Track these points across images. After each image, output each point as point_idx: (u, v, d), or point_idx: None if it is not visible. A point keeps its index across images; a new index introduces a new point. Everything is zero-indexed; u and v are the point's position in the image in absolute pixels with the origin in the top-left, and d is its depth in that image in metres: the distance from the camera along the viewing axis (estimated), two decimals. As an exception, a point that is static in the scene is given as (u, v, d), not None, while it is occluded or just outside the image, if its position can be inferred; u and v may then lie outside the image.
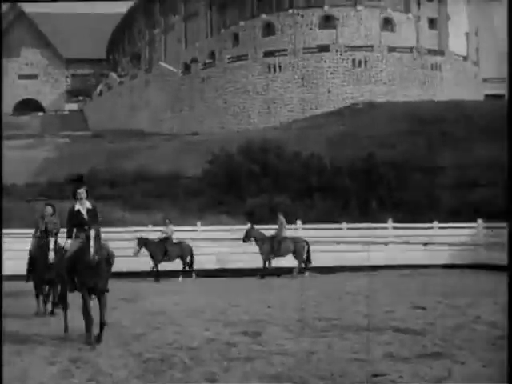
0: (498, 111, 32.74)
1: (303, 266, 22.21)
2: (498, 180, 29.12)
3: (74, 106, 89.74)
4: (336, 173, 37.76)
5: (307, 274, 22.01)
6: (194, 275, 22.08)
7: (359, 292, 17.14)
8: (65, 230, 11.26)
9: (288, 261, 22.24)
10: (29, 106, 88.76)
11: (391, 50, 62.58)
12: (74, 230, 10.70)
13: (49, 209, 14.16)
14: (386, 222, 25.51)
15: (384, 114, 52.52)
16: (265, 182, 37.23)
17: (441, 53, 65.17)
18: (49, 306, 14.08)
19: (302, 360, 9.11)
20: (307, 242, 22.36)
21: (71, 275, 10.51)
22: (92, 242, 9.98)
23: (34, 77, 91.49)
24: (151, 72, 74.39)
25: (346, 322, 12.27)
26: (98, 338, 10.24)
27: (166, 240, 22.20)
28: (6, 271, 17.82)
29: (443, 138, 44.04)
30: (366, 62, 61.72)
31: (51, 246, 13.31)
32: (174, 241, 22.43)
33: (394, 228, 25.20)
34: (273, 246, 22.22)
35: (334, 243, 24.20)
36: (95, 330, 10.28)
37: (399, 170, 36.24)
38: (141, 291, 17.21)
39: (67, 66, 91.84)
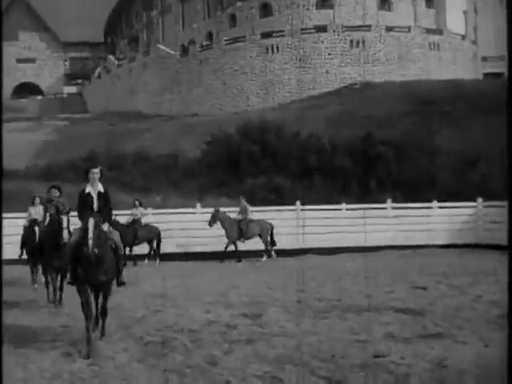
0: (497, 90, 32.62)
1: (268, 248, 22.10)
2: (497, 159, 29.09)
3: (72, 89, 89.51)
4: (335, 153, 37.69)
5: (274, 256, 21.84)
6: (157, 260, 21.59)
7: (359, 273, 17.16)
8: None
9: (247, 244, 22.08)
10: (27, 89, 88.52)
11: (389, 29, 62.31)
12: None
13: (55, 191, 13.63)
14: (385, 202, 25.49)
15: (382, 94, 52.39)
16: (264, 163, 37.17)
17: (439, 32, 64.87)
18: (55, 294, 13.06)
19: (303, 341, 9.12)
20: (271, 224, 22.22)
21: (73, 266, 9.43)
22: (91, 233, 8.88)
23: (32, 60, 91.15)
24: (149, 54, 74.14)
25: (346, 302, 12.29)
26: (101, 333, 9.62)
27: (136, 223, 21.68)
28: (9, 255, 17.87)
29: (442, 118, 43.93)
30: (363, 42, 61.48)
31: (65, 224, 12.58)
32: (143, 223, 22.03)
33: (393, 208, 25.17)
34: (240, 229, 21.97)
35: (333, 225, 24.17)
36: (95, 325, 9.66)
37: (398, 149, 36.16)
38: (142, 274, 17.22)
39: (65, 50, 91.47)
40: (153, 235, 21.79)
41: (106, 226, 9.33)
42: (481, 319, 10.44)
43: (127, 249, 20.53)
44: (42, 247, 13.50)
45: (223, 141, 40.17)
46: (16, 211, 18.36)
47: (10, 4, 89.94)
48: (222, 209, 22.73)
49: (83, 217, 9.22)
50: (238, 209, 22.85)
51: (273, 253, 22.07)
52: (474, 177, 32.49)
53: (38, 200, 16.45)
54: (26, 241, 16.07)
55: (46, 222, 13.51)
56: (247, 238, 22.09)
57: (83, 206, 9.40)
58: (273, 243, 22.09)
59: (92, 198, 9.44)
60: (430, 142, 37.34)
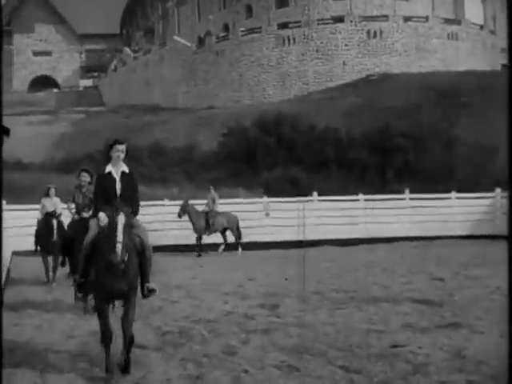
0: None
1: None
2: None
3: (88, 82, 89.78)
4: (352, 144, 37.62)
5: (240, 250, 21.46)
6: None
7: (376, 264, 17.11)
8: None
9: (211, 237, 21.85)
10: (44, 82, 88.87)
11: (406, 19, 61.97)
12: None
13: (85, 175, 11.72)
14: (402, 193, 25.38)
15: (400, 85, 52.14)
16: (280, 155, 37.15)
17: (457, 22, 64.45)
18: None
19: (320, 331, 9.09)
20: (237, 217, 21.88)
21: (86, 272, 7.48)
22: (120, 235, 6.86)
23: (48, 53, 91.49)
24: (165, 46, 74.18)
25: (363, 293, 12.24)
26: (125, 367, 7.30)
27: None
28: (23, 247, 17.91)
29: (460, 109, 43.69)
30: (381, 32, 61.19)
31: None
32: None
33: (411, 199, 25.06)
34: (208, 222, 21.53)
35: (350, 215, 24.10)
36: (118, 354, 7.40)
37: (416, 140, 36.01)
38: (159, 265, 17.23)
39: (81, 42, 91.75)
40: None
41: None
42: (499, 310, 10.36)
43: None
44: (70, 243, 11.37)
45: (239, 133, 40.20)
46: (34, 203, 18.40)
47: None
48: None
49: (101, 205, 7.34)
50: (253, 200, 22.72)
51: (239, 246, 21.61)
52: (493, 168, 32.29)
53: (53, 190, 15.35)
54: (40, 235, 14.97)
55: (74, 213, 12.15)
56: (214, 231, 21.66)
57: (102, 190, 7.44)
58: (239, 236, 21.78)
59: (114, 180, 7.46)
60: (449, 133, 37.16)
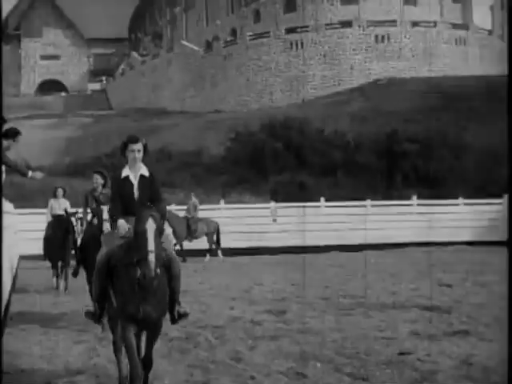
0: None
1: (213, 247, 21.66)
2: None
3: (96, 86, 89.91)
4: (359, 149, 37.56)
5: (221, 256, 21.27)
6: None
7: (384, 269, 17.07)
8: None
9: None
10: (52, 86, 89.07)
11: (414, 24, 61.88)
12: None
13: (98, 178, 10.80)
14: (410, 199, 25.32)
15: (408, 90, 52.06)
16: (288, 160, 37.12)
17: (465, 27, 64.32)
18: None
19: (327, 338, 9.07)
20: (217, 223, 21.66)
21: (103, 291, 6.38)
22: (151, 244, 5.84)
23: (56, 57, 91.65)
24: (173, 51, 74.29)
25: (371, 299, 12.20)
26: None
27: None
28: (32, 251, 17.92)
29: (468, 114, 43.57)
30: (388, 37, 61.13)
31: (105, 227, 9.31)
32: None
33: (419, 205, 25.00)
34: (189, 228, 21.23)
35: (358, 221, 24.07)
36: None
37: (424, 146, 35.92)
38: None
39: (89, 46, 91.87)
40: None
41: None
42: (508, 317, 10.31)
43: None
44: (85, 251, 10.47)
45: (247, 137, 40.20)
46: (41, 207, 18.40)
47: (34, 1, 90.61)
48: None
49: (118, 214, 6.43)
50: (258, 205, 22.70)
51: (219, 252, 21.45)
52: (502, 173, 32.15)
53: (60, 191, 14.70)
54: (49, 239, 14.29)
55: (88, 219, 11.14)
56: (195, 238, 21.43)
57: (119, 197, 6.51)
58: (218, 243, 21.56)
59: (132, 185, 6.54)
60: (457, 139, 37.06)
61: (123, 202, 6.51)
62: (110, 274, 6.20)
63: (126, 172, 6.62)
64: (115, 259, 6.17)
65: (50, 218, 14.77)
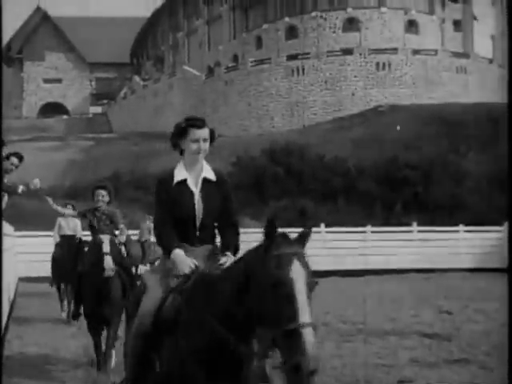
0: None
1: None
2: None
3: (98, 109, 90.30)
4: (360, 175, 37.59)
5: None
6: None
7: (384, 295, 16.98)
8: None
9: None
10: (54, 109, 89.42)
11: (415, 52, 62.27)
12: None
13: (103, 195, 8.61)
14: (410, 225, 25.29)
15: (408, 117, 52.23)
16: (289, 185, 37.13)
17: (466, 55, 64.72)
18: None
19: (327, 365, 9.00)
20: None
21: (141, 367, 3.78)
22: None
23: (58, 80, 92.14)
24: (175, 75, 74.67)
25: (370, 326, 12.13)
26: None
27: None
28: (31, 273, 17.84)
29: (469, 141, 43.67)
30: (389, 64, 61.47)
31: (105, 246, 7.97)
32: None
33: (419, 231, 24.96)
34: (144, 252, 20.24)
35: (358, 247, 24.03)
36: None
37: (425, 172, 35.97)
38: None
39: (91, 70, 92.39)
40: None
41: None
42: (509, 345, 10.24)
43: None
44: (81, 283, 8.55)
45: (248, 162, 40.26)
46: (41, 230, 18.36)
47: (37, 25, 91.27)
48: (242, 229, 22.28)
49: (170, 240, 4.27)
50: (258, 230, 22.52)
51: None
52: (501, 200, 32.18)
53: (70, 209, 12.34)
54: (57, 263, 12.86)
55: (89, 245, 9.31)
56: (150, 262, 20.56)
57: (168, 212, 4.31)
58: None
59: (191, 194, 4.34)
60: (457, 166, 37.11)
61: (176, 220, 4.29)
62: (161, 337, 3.97)
63: (180, 173, 4.39)
64: (170, 315, 3.96)
65: (58, 239, 13.41)
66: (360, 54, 61.84)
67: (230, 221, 4.51)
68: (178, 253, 4.20)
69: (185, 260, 4.17)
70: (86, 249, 9.53)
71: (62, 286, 13.10)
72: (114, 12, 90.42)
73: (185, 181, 4.38)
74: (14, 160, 8.77)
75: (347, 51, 62.29)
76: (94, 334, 8.12)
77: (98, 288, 7.94)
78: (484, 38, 69.08)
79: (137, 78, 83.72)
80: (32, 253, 19.26)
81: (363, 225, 25.54)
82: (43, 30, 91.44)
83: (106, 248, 7.96)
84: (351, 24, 65.54)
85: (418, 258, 23.86)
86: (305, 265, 3.52)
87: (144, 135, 68.44)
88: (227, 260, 4.20)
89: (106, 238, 8.09)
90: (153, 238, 19.69)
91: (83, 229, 12.21)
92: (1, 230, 7.31)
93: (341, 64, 61.82)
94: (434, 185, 35.29)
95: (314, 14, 66.49)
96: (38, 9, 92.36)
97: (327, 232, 24.42)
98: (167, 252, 4.27)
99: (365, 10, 65.43)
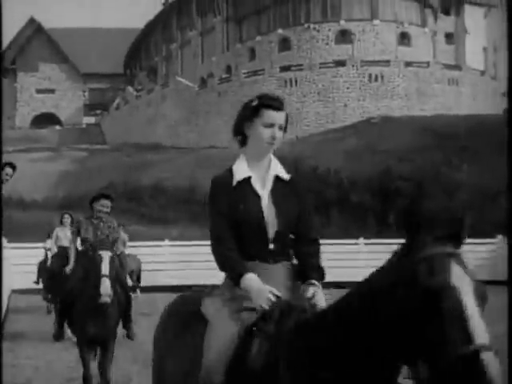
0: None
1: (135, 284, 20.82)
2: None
3: (91, 120, 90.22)
4: (353, 187, 37.66)
5: (139, 293, 20.19)
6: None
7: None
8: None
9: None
10: (47, 119, 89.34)
11: (408, 64, 62.54)
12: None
13: (107, 204, 8.08)
14: (404, 237, 25.30)
15: (401, 129, 52.40)
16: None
17: (458, 67, 65.05)
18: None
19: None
20: (140, 260, 20.73)
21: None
22: None
23: (51, 91, 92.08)
24: (168, 86, 74.74)
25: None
26: None
27: None
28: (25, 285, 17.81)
29: (461, 153, 43.83)
30: (382, 76, 61.69)
31: (104, 265, 6.81)
32: None
33: (412, 243, 24.96)
34: (120, 263, 20.00)
35: (351, 259, 24.05)
36: None
37: (417, 184, 36.07)
38: (158, 305, 17.11)
39: (85, 81, 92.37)
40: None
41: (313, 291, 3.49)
42: (500, 358, 10.25)
43: None
44: (71, 301, 7.49)
45: (241, 173, 40.29)
46: (35, 241, 18.32)
47: (30, 36, 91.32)
48: None
49: (240, 263, 3.34)
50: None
51: (138, 290, 20.40)
52: (494, 213, 32.30)
53: (68, 219, 12.71)
54: (55, 276, 11.91)
55: (74, 259, 8.74)
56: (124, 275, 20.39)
57: (226, 221, 3.44)
58: (139, 280, 20.63)
59: (257, 197, 3.45)
60: (450, 178, 37.21)
61: (241, 230, 3.34)
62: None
63: (241, 169, 3.50)
64: (258, 367, 2.99)
65: (55, 250, 12.71)
66: (353, 66, 62.06)
67: (309, 235, 3.54)
68: (252, 278, 3.19)
69: (262, 290, 3.16)
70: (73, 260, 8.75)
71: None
72: (108, 23, 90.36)
73: (248, 179, 3.43)
74: (9, 170, 8.75)
75: (340, 63, 62.51)
76: (83, 353, 7.22)
77: (93, 308, 6.89)
78: (476, 50, 69.43)
79: (130, 89, 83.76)
80: (25, 264, 19.21)
81: (356, 236, 25.58)
82: (37, 40, 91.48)
83: (106, 269, 6.76)
84: (344, 36, 65.82)
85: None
86: (467, 270, 2.66)
87: (137, 146, 68.44)
88: (316, 292, 3.45)
89: (106, 255, 6.85)
90: (128, 251, 19.53)
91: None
92: (0, 243, 6.97)
93: (333, 76, 62.01)
94: (427, 196, 35.40)
95: (306, 25, 66.76)
96: (32, 20, 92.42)
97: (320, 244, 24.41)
98: (235, 277, 3.27)
99: (357, 22, 65.73)
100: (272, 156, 3.50)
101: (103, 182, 41.28)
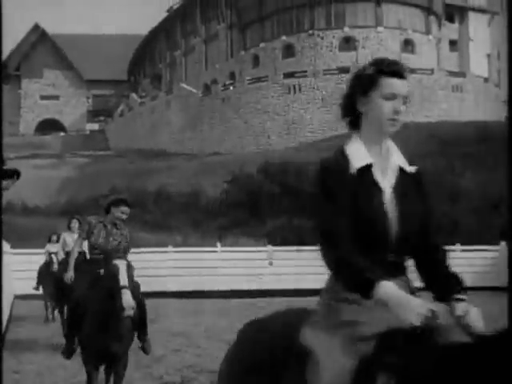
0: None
1: None
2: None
3: (95, 126, 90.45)
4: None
5: None
6: None
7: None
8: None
9: None
10: (51, 125, 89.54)
11: (412, 71, 62.45)
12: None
13: (126, 211, 7.45)
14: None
15: (404, 135, 52.15)
16: (285, 203, 37.12)
17: (462, 74, 65.05)
18: None
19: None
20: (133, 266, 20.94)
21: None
22: None
23: (55, 97, 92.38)
24: (172, 93, 74.86)
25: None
26: None
27: None
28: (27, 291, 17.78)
29: (465, 159, 43.78)
30: (386, 83, 61.72)
31: (122, 276, 6.20)
32: None
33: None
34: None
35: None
36: None
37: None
38: (161, 311, 17.11)
39: (88, 87, 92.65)
40: None
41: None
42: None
43: None
44: (81, 315, 6.66)
45: (244, 180, 40.26)
46: (38, 247, 18.30)
47: (35, 42, 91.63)
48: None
49: (369, 268, 2.57)
50: (256, 248, 22.67)
51: None
52: (498, 220, 32.22)
53: (76, 224, 11.91)
54: (64, 283, 10.08)
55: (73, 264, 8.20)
56: None
57: (342, 215, 2.66)
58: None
59: (379, 191, 2.72)
60: (453, 184, 37.14)
61: (358, 228, 2.67)
62: None
63: (360, 154, 2.83)
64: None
65: (62, 256, 12.07)
66: (356, 73, 62.15)
67: (434, 241, 2.90)
68: (391, 286, 2.52)
69: (411, 301, 2.48)
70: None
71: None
72: (112, 29, 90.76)
73: (369, 167, 2.73)
74: (9, 183, 8.67)
75: (344, 69, 62.51)
76: (90, 368, 6.50)
77: (106, 321, 6.20)
78: (480, 57, 69.48)
79: (134, 96, 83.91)
80: (28, 270, 19.21)
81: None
82: (41, 47, 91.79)
83: (124, 280, 6.12)
84: (348, 43, 65.92)
85: (415, 277, 23.83)
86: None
87: (140, 152, 68.54)
88: (470, 309, 2.64)
89: (122, 265, 6.27)
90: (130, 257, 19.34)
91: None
92: (1, 248, 6.65)
93: (337, 82, 62.01)
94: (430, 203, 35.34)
95: (310, 32, 66.87)
96: (36, 26, 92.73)
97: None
98: (365, 285, 2.53)
99: (361, 29, 65.84)
100: (391, 143, 2.90)
101: (106, 188, 41.26)
